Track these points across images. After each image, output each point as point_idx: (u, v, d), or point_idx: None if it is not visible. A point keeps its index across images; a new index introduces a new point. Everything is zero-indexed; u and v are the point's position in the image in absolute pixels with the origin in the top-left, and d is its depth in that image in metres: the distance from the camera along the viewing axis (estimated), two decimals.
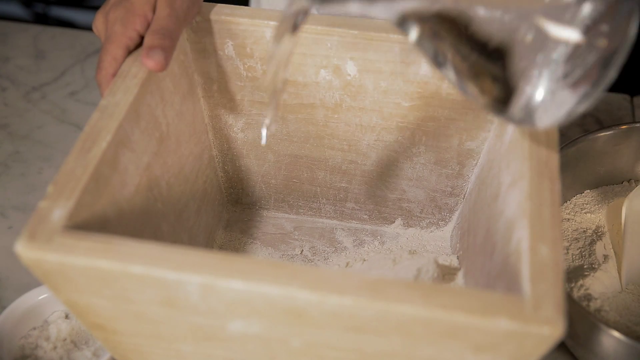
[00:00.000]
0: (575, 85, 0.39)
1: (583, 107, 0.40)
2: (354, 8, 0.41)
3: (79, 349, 0.59)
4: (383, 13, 0.42)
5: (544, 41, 0.39)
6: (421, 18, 0.42)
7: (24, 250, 0.39)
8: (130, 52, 0.51)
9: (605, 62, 0.38)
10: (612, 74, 0.38)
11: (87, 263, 0.39)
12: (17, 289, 0.65)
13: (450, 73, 0.43)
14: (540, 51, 0.39)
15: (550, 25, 0.38)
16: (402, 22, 0.42)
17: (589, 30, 0.38)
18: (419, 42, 0.43)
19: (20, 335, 0.59)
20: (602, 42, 0.38)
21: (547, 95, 0.40)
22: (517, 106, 0.41)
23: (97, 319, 0.44)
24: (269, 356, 0.45)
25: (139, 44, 0.51)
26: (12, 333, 0.58)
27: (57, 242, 0.39)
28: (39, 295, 0.60)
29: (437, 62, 0.43)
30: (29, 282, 0.64)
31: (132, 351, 0.48)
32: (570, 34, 0.38)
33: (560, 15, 0.38)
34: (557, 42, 0.39)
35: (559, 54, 0.39)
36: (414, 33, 0.42)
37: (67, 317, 0.60)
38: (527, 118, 0.42)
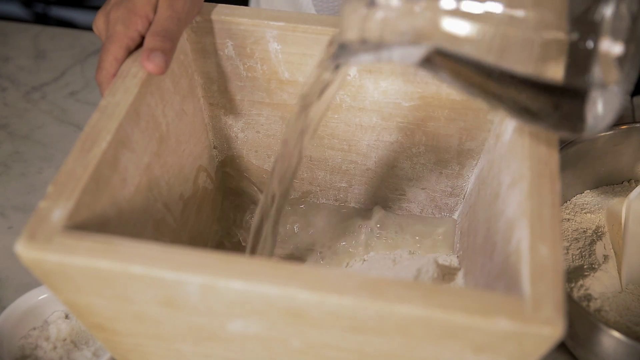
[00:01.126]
0: (619, 85, 0.39)
1: (623, 105, 0.40)
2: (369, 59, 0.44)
3: (79, 349, 0.59)
4: (402, 61, 0.43)
5: (593, 56, 0.39)
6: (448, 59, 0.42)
7: (24, 250, 0.39)
8: (131, 52, 0.51)
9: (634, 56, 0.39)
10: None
11: (87, 263, 0.39)
12: (17, 289, 0.65)
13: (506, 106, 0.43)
14: (591, 66, 0.39)
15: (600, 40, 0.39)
16: (427, 65, 0.43)
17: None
18: (443, 79, 0.44)
19: (20, 335, 0.59)
20: (632, 47, 0.38)
21: (605, 101, 0.40)
22: (588, 121, 0.41)
23: (97, 319, 0.44)
24: (269, 356, 0.45)
25: (140, 44, 0.51)
26: (12, 333, 0.58)
27: (57, 242, 0.39)
28: (39, 295, 0.60)
29: (488, 101, 0.43)
30: (29, 282, 0.64)
31: (132, 351, 0.48)
32: (615, 47, 0.38)
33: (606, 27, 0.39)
34: (607, 54, 0.39)
35: (608, 61, 0.39)
36: (434, 72, 0.43)
37: (67, 317, 0.60)
38: (595, 128, 0.42)
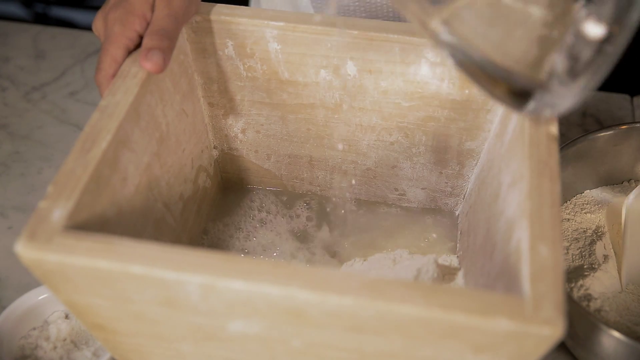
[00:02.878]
0: (585, 67, 0.39)
1: (590, 89, 0.40)
2: None
3: (79, 349, 0.59)
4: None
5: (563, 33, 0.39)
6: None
7: (24, 250, 0.39)
8: (129, 52, 0.51)
9: (604, 45, 0.39)
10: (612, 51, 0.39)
11: (87, 263, 0.39)
12: (17, 289, 0.65)
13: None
14: (558, 42, 0.39)
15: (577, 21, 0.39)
16: None
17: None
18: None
19: (20, 335, 0.59)
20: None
21: (563, 80, 0.40)
22: (537, 98, 0.41)
23: (97, 319, 0.44)
24: (269, 356, 0.45)
25: (139, 44, 0.51)
26: (12, 333, 0.58)
27: (57, 242, 0.39)
28: (39, 295, 0.60)
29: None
30: (29, 282, 0.64)
31: (132, 351, 0.48)
32: (593, 28, 0.38)
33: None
34: (580, 36, 0.39)
35: (572, 41, 0.39)
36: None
37: (67, 317, 0.60)
38: (544, 108, 0.42)
